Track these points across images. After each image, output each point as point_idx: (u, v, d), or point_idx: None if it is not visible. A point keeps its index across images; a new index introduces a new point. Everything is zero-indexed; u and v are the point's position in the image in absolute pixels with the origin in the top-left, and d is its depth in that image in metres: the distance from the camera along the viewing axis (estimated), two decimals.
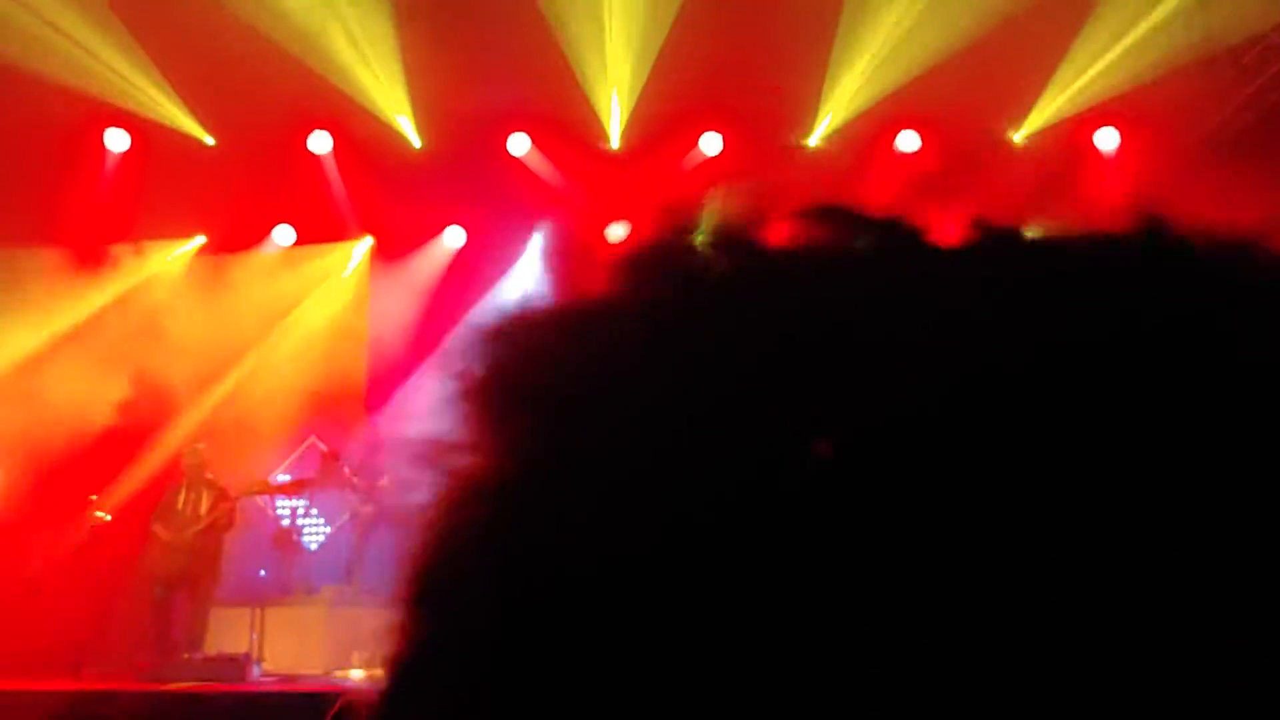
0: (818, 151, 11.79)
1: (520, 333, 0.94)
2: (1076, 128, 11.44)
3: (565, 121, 11.84)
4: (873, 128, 11.57)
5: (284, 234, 12.54)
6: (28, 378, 11.23)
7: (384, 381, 12.24)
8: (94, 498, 10.78)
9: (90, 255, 11.80)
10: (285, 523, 12.32)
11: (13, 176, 10.83)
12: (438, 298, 12.48)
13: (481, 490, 0.87)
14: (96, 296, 11.93)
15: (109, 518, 10.80)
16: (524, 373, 0.91)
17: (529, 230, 12.64)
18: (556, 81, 11.20)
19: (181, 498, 10.51)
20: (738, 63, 11.02)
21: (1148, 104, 10.49)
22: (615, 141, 11.92)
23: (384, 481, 11.55)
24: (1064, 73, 11.15)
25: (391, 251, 12.62)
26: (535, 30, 10.66)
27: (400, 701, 0.86)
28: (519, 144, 12.12)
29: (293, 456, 12.43)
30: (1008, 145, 11.59)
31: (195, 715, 8.50)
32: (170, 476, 10.77)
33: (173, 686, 8.97)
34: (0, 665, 8.40)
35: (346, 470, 11.61)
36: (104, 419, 11.20)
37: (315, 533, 12.46)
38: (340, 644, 10.82)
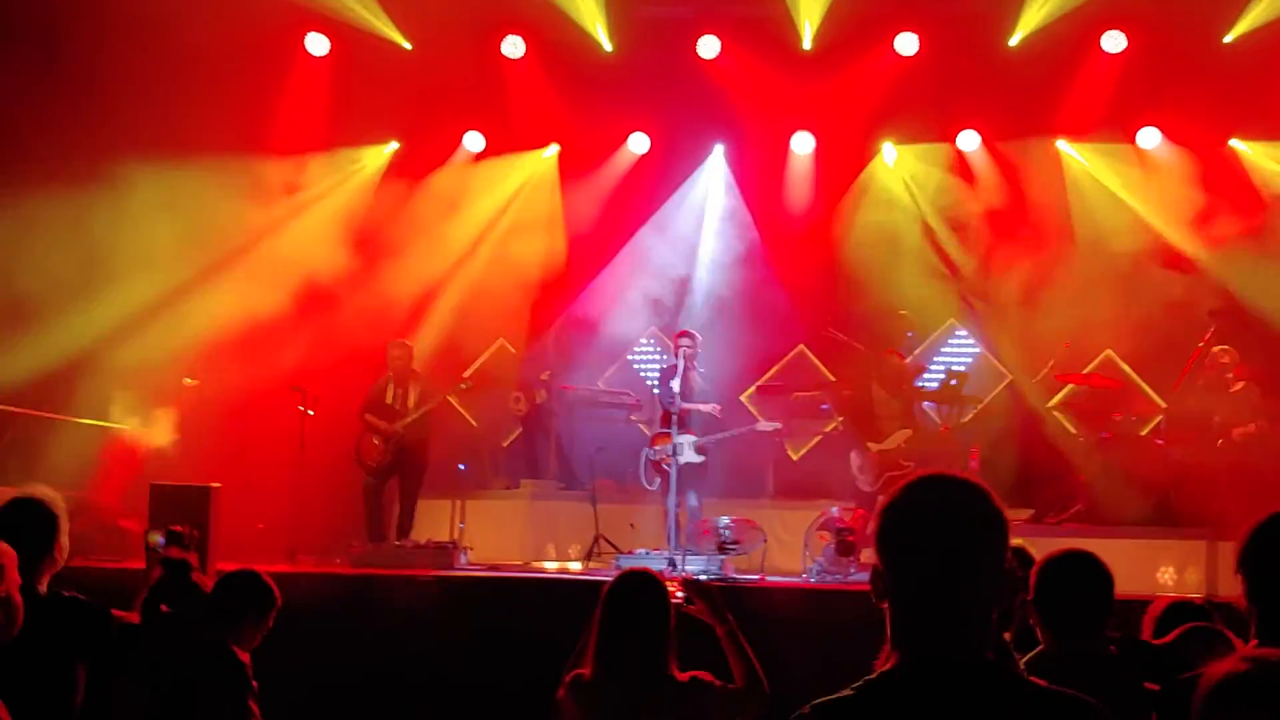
0: (1018, 52, 11.45)
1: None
2: None
3: (757, 21, 11.71)
4: (1077, 28, 11.19)
5: (474, 140, 12.65)
6: (231, 280, 11.51)
7: (576, 284, 12.42)
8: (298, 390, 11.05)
9: (291, 159, 12.04)
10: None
11: (217, 82, 11.07)
12: (624, 202, 12.52)
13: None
14: (295, 200, 12.18)
15: (312, 412, 11.13)
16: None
17: (715, 134, 12.60)
18: None
19: (390, 392, 10.83)
20: None
21: None
22: (807, 42, 11.74)
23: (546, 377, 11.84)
24: None
25: (579, 156, 12.64)
26: None
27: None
28: (709, 46, 12.03)
29: (483, 357, 12.73)
30: (1219, 46, 11.11)
31: (409, 598, 8.80)
32: (377, 371, 11.05)
33: (385, 570, 9.32)
34: (220, 550, 8.76)
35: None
36: (305, 320, 11.48)
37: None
38: (537, 535, 11.19)
